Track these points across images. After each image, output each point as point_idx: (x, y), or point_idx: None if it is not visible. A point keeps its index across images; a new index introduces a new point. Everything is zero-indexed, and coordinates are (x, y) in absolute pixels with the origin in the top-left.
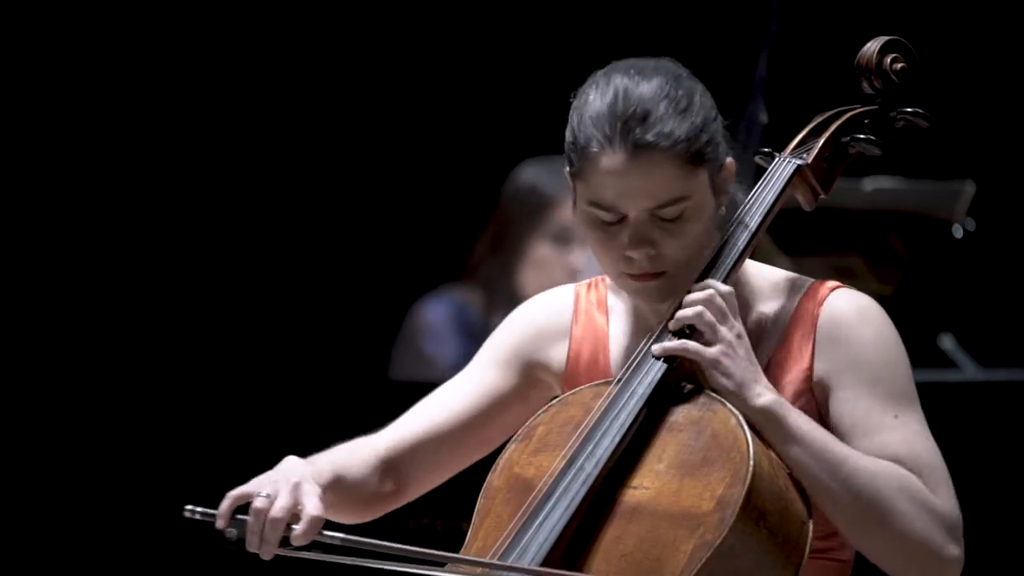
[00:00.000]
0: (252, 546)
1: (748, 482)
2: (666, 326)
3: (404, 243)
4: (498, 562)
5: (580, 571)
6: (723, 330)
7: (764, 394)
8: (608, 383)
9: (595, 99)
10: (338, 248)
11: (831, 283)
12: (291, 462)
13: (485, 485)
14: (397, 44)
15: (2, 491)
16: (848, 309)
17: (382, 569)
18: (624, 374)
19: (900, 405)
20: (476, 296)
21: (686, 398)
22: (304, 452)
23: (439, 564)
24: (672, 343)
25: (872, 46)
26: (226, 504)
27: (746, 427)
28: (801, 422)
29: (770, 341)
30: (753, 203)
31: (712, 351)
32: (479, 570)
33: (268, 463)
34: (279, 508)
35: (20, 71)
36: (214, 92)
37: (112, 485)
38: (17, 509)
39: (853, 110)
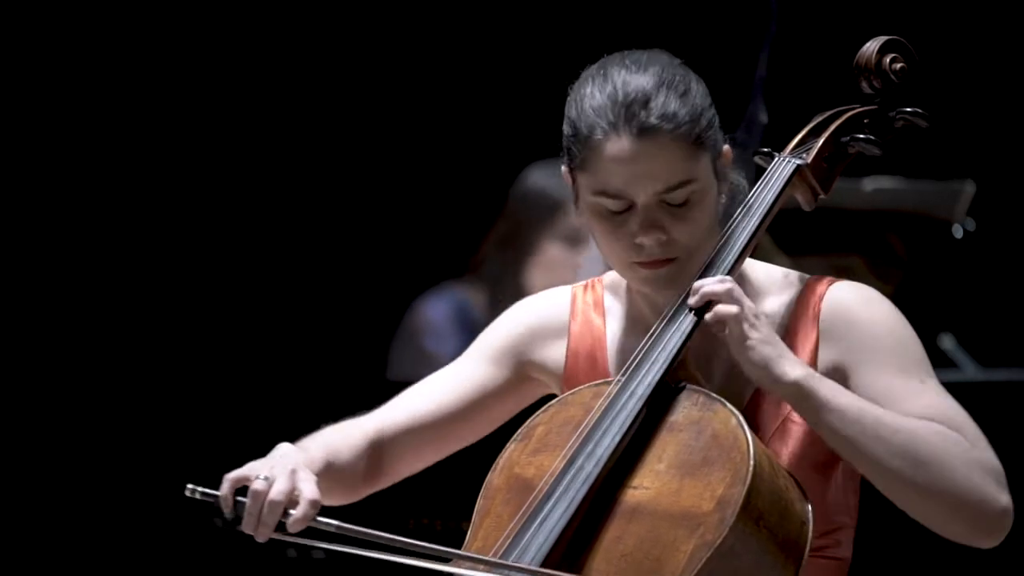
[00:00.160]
0: (249, 528)
1: (748, 482)
2: (680, 309)
3: (402, 243)
4: (491, 558)
5: (580, 571)
6: (746, 308)
7: (794, 368)
8: (608, 383)
9: (593, 90)
10: (335, 248)
11: (828, 278)
12: (285, 449)
13: (485, 485)
14: (398, 43)
15: (8, 479)
16: (851, 297)
17: (374, 559)
18: (624, 374)
19: (922, 372)
20: (478, 294)
21: (686, 398)
22: None
23: (433, 557)
24: (724, 308)
25: (871, 46)
26: (227, 486)
27: (746, 427)
28: (834, 390)
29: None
30: (753, 203)
31: (744, 326)
32: (480, 567)
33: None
34: (278, 491)
35: (20, 71)
36: (215, 92)
37: (115, 487)
38: (27, 501)
39: (852, 110)
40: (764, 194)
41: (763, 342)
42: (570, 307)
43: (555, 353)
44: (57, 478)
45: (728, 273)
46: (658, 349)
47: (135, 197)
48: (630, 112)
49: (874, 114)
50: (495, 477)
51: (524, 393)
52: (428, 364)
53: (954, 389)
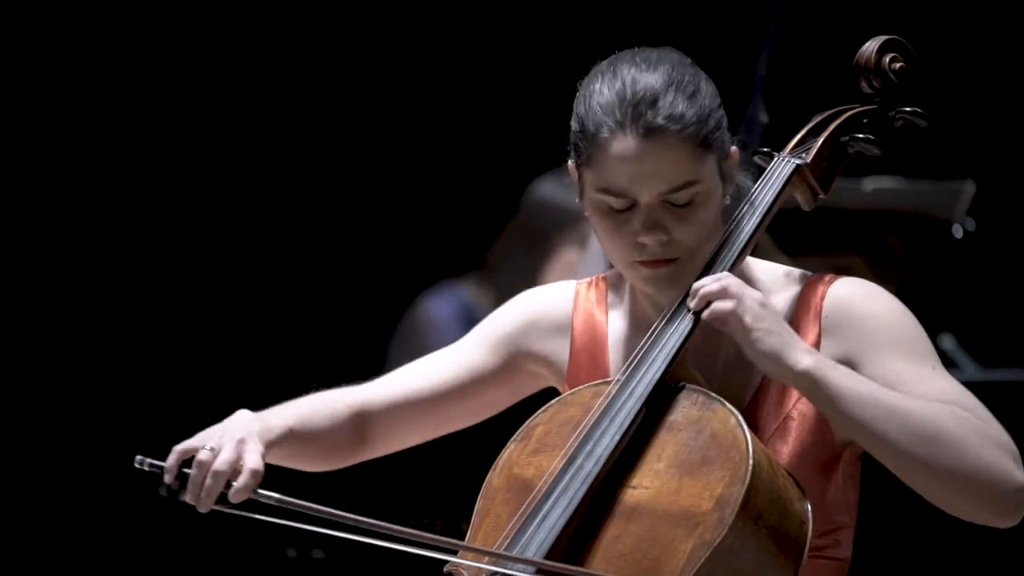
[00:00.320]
0: (191, 498)
1: (747, 481)
2: (680, 309)
3: (401, 242)
4: (448, 539)
5: None
6: (749, 301)
7: (804, 357)
8: (607, 383)
9: (602, 87)
10: (334, 247)
11: (830, 275)
12: (240, 416)
13: (484, 485)
14: (406, 41)
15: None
16: (852, 292)
17: (317, 532)
18: (623, 374)
19: (931, 359)
20: (482, 292)
21: (685, 398)
22: None
23: (373, 533)
24: (720, 305)
25: (871, 45)
26: (173, 457)
27: (745, 427)
28: (846, 375)
29: None
30: (752, 203)
31: (747, 319)
32: (485, 561)
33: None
34: (222, 462)
35: (20, 71)
36: (216, 91)
37: (115, 488)
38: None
39: (852, 110)
40: (764, 194)
41: (770, 332)
42: (573, 303)
43: (556, 348)
44: (57, 477)
45: (729, 271)
46: (657, 349)
47: (135, 196)
48: (637, 111)
49: (874, 114)
50: (495, 477)
51: (518, 383)
52: None
53: None
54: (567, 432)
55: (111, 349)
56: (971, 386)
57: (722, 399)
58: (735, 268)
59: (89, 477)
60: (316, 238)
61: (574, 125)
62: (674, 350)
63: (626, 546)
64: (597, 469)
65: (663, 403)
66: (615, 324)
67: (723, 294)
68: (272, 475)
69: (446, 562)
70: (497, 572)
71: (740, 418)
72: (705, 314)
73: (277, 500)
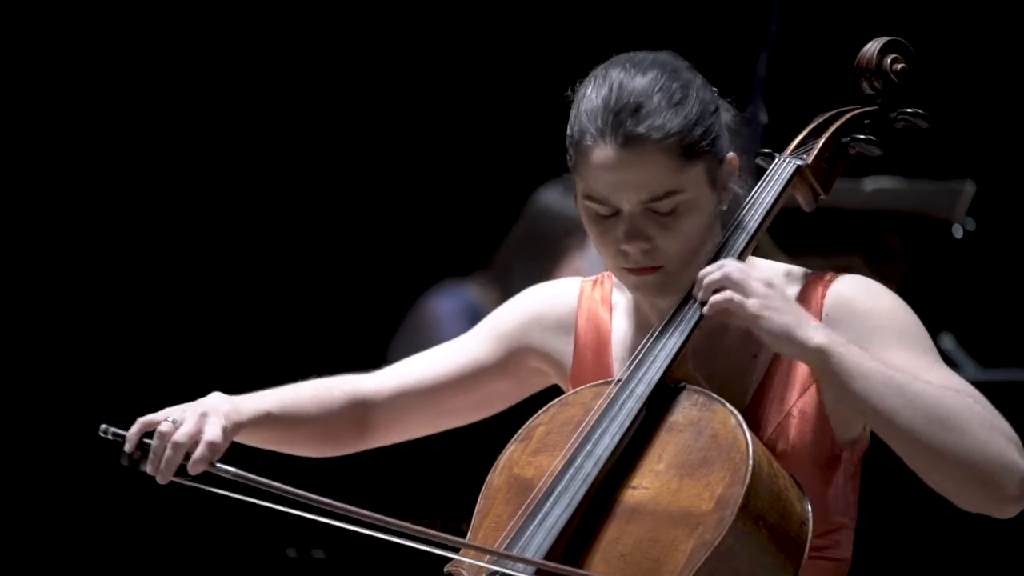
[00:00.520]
0: (151, 468)
1: (747, 482)
2: (681, 309)
3: (400, 242)
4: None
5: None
6: (754, 283)
7: (816, 334)
8: (608, 383)
9: (591, 93)
10: (333, 247)
11: (831, 273)
12: (211, 396)
13: (485, 485)
14: (410, 42)
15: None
16: (854, 289)
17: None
18: (624, 374)
19: (933, 353)
20: (487, 293)
21: (686, 398)
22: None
23: (335, 515)
24: (717, 297)
25: (872, 47)
26: (136, 427)
27: (745, 427)
28: (859, 355)
29: None
30: (753, 203)
31: (753, 303)
32: (486, 559)
33: (265, 458)
34: (181, 434)
35: (20, 71)
36: (225, 90)
37: (116, 489)
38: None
39: (853, 111)
40: (764, 194)
41: (779, 311)
42: (577, 300)
43: (560, 345)
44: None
45: None
46: (657, 349)
47: (137, 194)
48: (618, 120)
49: (875, 115)
50: (495, 477)
51: (522, 378)
52: None
53: None
54: (568, 432)
55: (113, 348)
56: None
57: (722, 400)
58: None
59: (88, 476)
60: (319, 237)
61: (567, 130)
62: (674, 351)
63: (626, 546)
64: (597, 470)
65: (663, 404)
66: (619, 323)
67: (724, 281)
68: (273, 466)
69: (435, 556)
70: (496, 571)
71: (740, 419)
72: (706, 309)
73: (234, 474)
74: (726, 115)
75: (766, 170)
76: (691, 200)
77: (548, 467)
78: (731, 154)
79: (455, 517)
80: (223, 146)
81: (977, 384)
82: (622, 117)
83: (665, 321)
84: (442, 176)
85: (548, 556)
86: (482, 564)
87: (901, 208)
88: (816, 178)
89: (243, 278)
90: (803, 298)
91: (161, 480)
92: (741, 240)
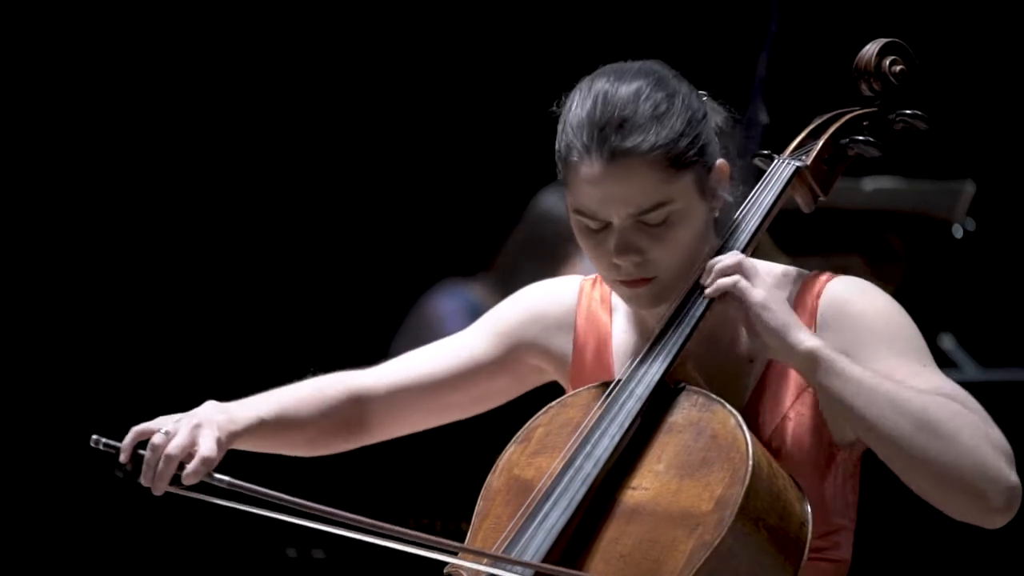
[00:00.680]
0: (146, 480)
1: (747, 482)
2: (680, 310)
3: (402, 242)
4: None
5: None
6: (763, 276)
7: (808, 339)
8: (607, 384)
9: (576, 107)
10: (333, 247)
11: (826, 274)
12: (205, 406)
13: (484, 486)
14: (411, 42)
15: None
16: (847, 290)
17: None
18: (623, 375)
19: (923, 357)
20: (488, 294)
21: (685, 399)
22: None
23: (330, 521)
24: (725, 279)
25: (871, 48)
26: (129, 438)
27: (745, 428)
28: (847, 363)
29: None
30: (752, 205)
31: (759, 292)
32: (484, 563)
33: (265, 458)
34: (175, 446)
35: (20, 71)
36: (228, 90)
37: (107, 483)
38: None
39: (852, 112)
40: (763, 196)
41: (777, 311)
42: (577, 300)
43: (560, 343)
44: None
45: None
46: (657, 350)
47: (139, 194)
48: (603, 135)
49: (874, 116)
50: (495, 479)
51: (521, 375)
52: None
53: None
54: (567, 433)
55: (115, 347)
56: (971, 386)
57: (722, 400)
58: None
59: (85, 475)
60: (321, 237)
61: (556, 143)
62: (674, 352)
63: (626, 547)
64: (597, 470)
65: (663, 404)
66: (619, 323)
67: (736, 267)
68: (271, 468)
69: (434, 558)
70: (494, 574)
71: (740, 419)
72: (710, 290)
73: (228, 483)
74: (717, 119)
75: (765, 171)
76: (681, 210)
77: (548, 468)
78: (720, 161)
79: (455, 517)
80: (223, 147)
81: (977, 384)
82: (607, 132)
83: (665, 322)
84: (444, 177)
85: (548, 557)
86: (480, 567)
87: (901, 208)
88: (815, 179)
89: (245, 278)
90: (798, 299)
91: (156, 492)
92: (740, 241)
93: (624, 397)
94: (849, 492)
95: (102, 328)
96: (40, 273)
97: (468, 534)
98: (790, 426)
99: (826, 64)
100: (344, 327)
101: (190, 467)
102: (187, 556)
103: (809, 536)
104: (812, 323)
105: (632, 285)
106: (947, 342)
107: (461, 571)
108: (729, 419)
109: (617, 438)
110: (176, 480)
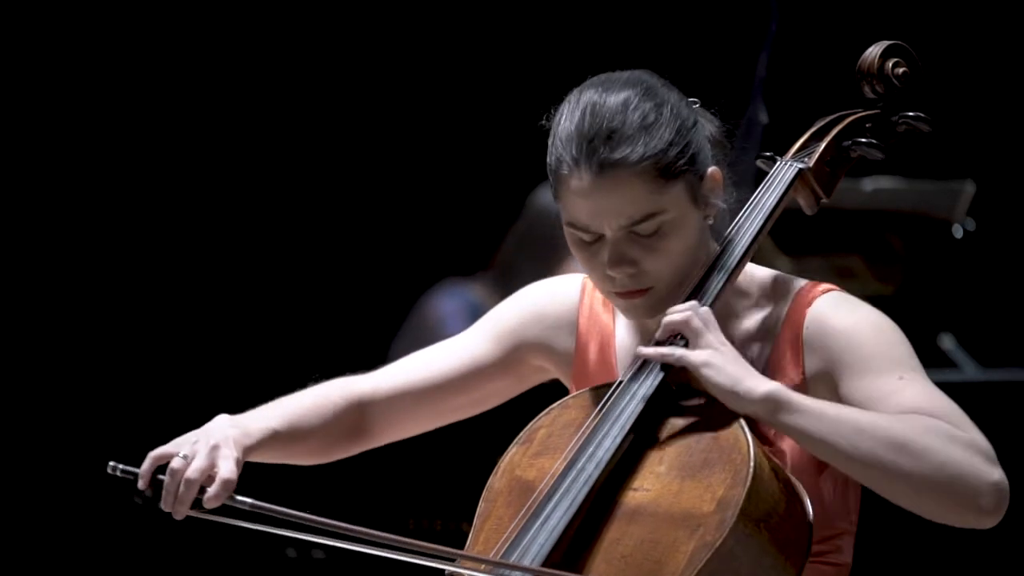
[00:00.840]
0: (166, 505)
1: (748, 483)
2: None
3: (402, 242)
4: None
5: (580, 572)
6: (710, 336)
7: (761, 384)
8: (609, 385)
9: (565, 119)
10: (332, 248)
11: (823, 286)
12: (218, 422)
13: (486, 488)
14: (408, 41)
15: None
16: (828, 307)
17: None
18: (625, 376)
19: (903, 369)
20: (489, 294)
21: (687, 400)
22: None
23: (348, 537)
24: (661, 349)
25: (874, 51)
26: (147, 464)
27: (747, 429)
28: (806, 400)
29: (765, 346)
30: (754, 207)
31: (700, 354)
32: (483, 568)
33: (266, 465)
34: (194, 470)
35: (20, 71)
36: (222, 90)
37: (108, 483)
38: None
39: (855, 114)
40: (766, 198)
41: (725, 365)
42: (579, 298)
43: (562, 343)
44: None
45: (729, 277)
46: None
47: (136, 195)
48: (592, 148)
49: (876, 118)
50: (496, 480)
51: (520, 375)
52: None
53: (954, 389)
54: (569, 435)
55: (115, 347)
56: (971, 386)
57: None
58: (737, 272)
59: (87, 475)
60: (321, 238)
61: (547, 156)
62: None
63: (627, 548)
64: (598, 472)
65: (665, 406)
66: (621, 322)
67: (682, 326)
68: (272, 475)
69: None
70: None
71: (742, 420)
72: (655, 357)
73: (251, 505)
74: (708, 127)
75: (767, 173)
76: (673, 220)
77: (550, 469)
78: (712, 168)
79: (455, 518)
80: (223, 148)
81: (977, 384)
82: (595, 144)
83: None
84: (443, 176)
85: (549, 558)
86: (476, 574)
87: (901, 208)
88: (818, 181)
89: (244, 279)
90: (788, 315)
91: (177, 516)
92: (743, 243)
93: (626, 399)
94: (851, 496)
95: (101, 329)
96: (37, 273)
97: (470, 535)
98: None
99: (828, 65)
100: (344, 328)
101: (211, 491)
102: (187, 556)
103: (811, 538)
104: (798, 342)
105: (628, 297)
106: (947, 342)
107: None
108: (731, 420)
109: (619, 439)
110: (197, 504)
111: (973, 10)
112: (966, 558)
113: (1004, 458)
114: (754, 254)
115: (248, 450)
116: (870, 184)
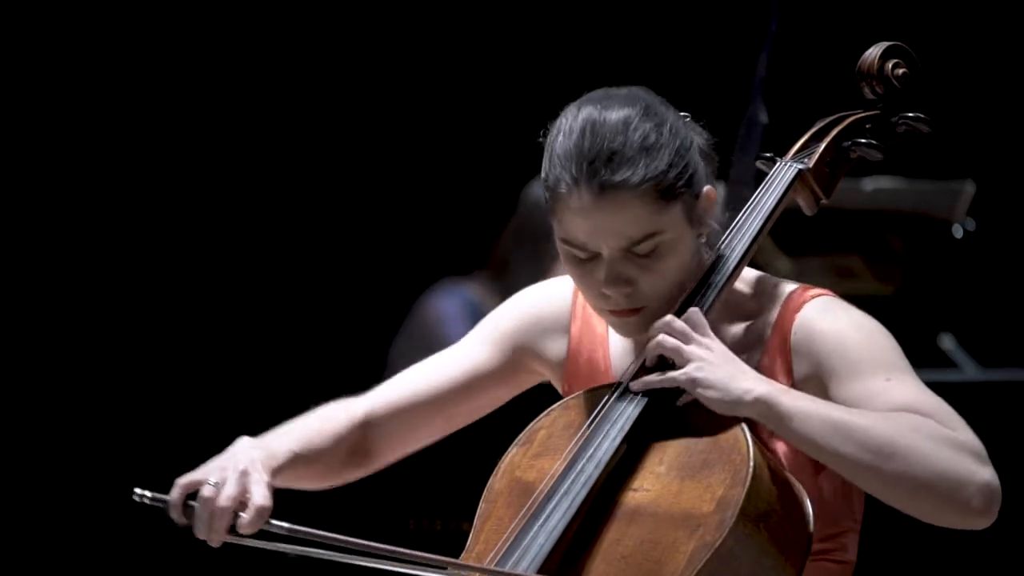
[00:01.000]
0: (200, 534)
1: (748, 483)
2: (643, 363)
3: (400, 242)
4: (451, 559)
5: (580, 573)
6: (689, 348)
7: (753, 388)
8: (609, 386)
9: (564, 137)
10: (332, 248)
11: (812, 291)
12: (242, 446)
13: (486, 489)
14: (405, 40)
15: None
16: (819, 310)
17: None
18: (625, 377)
19: (891, 370)
20: (486, 293)
21: (686, 400)
22: None
23: (382, 556)
24: (647, 378)
25: (873, 52)
26: (176, 492)
27: (746, 429)
28: (799, 400)
29: (755, 352)
30: (753, 208)
31: (684, 373)
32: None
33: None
34: (226, 497)
35: (20, 71)
36: (217, 91)
37: (112, 481)
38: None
39: (855, 115)
40: (766, 198)
41: (713, 375)
42: (572, 300)
43: (556, 347)
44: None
45: (729, 276)
46: None
47: (135, 196)
48: (592, 168)
49: (876, 119)
50: (496, 481)
51: (519, 380)
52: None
53: (954, 389)
54: (569, 436)
55: (107, 350)
56: (971, 386)
57: None
58: (737, 273)
59: (86, 476)
60: (319, 238)
61: (542, 172)
62: None
63: (627, 548)
64: (598, 472)
65: (664, 406)
66: None
67: (661, 350)
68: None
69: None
70: None
71: (741, 420)
72: (639, 385)
73: (288, 530)
74: (700, 141)
75: (767, 174)
76: (670, 240)
77: (549, 470)
78: (708, 188)
79: (455, 518)
80: (222, 148)
81: (977, 384)
82: (596, 166)
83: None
84: (441, 177)
85: (549, 558)
86: None
87: (901, 208)
88: (817, 182)
89: (242, 279)
90: (778, 320)
91: (213, 544)
92: (743, 244)
93: (626, 400)
94: (854, 494)
95: (100, 329)
96: (36, 274)
97: (470, 536)
98: None
99: (828, 66)
100: (343, 329)
101: (247, 519)
102: (188, 555)
103: (811, 537)
104: (787, 347)
105: (620, 315)
106: (947, 342)
107: None
108: (730, 420)
109: (618, 440)
110: (231, 528)
111: (973, 10)
112: (970, 556)
113: (1004, 458)
114: (754, 254)
115: (275, 472)
116: (870, 184)
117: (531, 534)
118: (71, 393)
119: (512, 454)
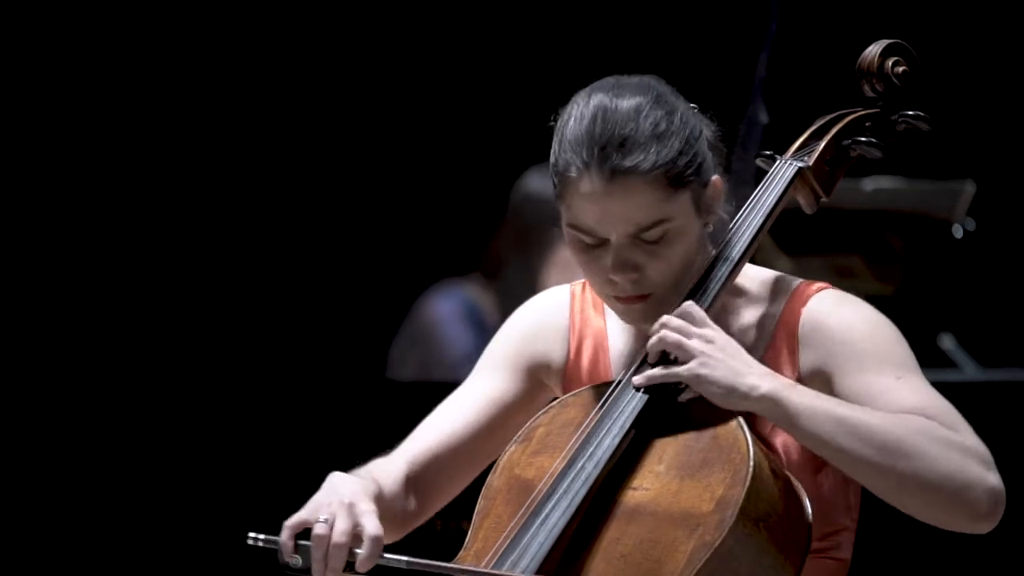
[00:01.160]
0: (317, 574)
1: (748, 483)
2: (645, 358)
3: (398, 243)
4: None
5: (579, 572)
6: (692, 343)
7: (759, 385)
8: (608, 384)
9: (575, 122)
10: (331, 249)
11: (818, 284)
12: (340, 479)
13: (485, 486)
14: (402, 40)
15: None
16: (823, 305)
17: None
18: (624, 375)
19: (899, 369)
20: (484, 293)
21: (686, 398)
22: (308, 453)
23: None
24: (650, 372)
25: (873, 50)
26: (286, 535)
27: (746, 428)
28: (806, 397)
29: (760, 345)
30: (754, 206)
31: (688, 368)
32: None
33: (267, 463)
34: (340, 532)
35: (20, 71)
36: (215, 91)
37: (109, 483)
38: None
39: (854, 113)
40: (765, 197)
41: (717, 370)
42: (569, 305)
43: (558, 352)
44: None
45: (728, 276)
46: None
47: (135, 197)
48: (604, 153)
49: (876, 117)
50: (495, 478)
51: (539, 401)
52: (439, 359)
53: (954, 389)
54: (568, 433)
55: (105, 350)
56: (971, 386)
57: None
58: (737, 270)
59: (85, 476)
60: (318, 238)
61: (551, 158)
62: None
63: (626, 547)
64: (597, 471)
65: (664, 405)
66: (614, 324)
67: (663, 345)
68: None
69: None
70: None
71: (741, 420)
72: (642, 379)
73: (407, 563)
74: (708, 132)
75: (767, 172)
76: (679, 227)
77: (549, 468)
78: (715, 177)
79: (455, 517)
80: (221, 149)
81: (977, 384)
82: (608, 151)
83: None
84: (440, 177)
85: (548, 557)
86: None
87: (901, 208)
88: (817, 180)
89: (241, 280)
90: (784, 314)
91: None
92: (743, 242)
93: (626, 397)
94: (851, 493)
95: (101, 329)
96: (35, 274)
97: (469, 533)
98: None
99: (828, 65)
100: (343, 330)
101: (364, 553)
102: (189, 555)
103: (810, 537)
104: (795, 337)
105: (627, 301)
106: (947, 342)
107: None
108: (730, 419)
109: (618, 439)
110: (349, 567)
111: (973, 10)
112: (967, 556)
113: (1004, 458)
114: (754, 253)
115: (377, 500)
116: (870, 184)
117: (530, 533)
118: (71, 393)
119: (511, 451)
